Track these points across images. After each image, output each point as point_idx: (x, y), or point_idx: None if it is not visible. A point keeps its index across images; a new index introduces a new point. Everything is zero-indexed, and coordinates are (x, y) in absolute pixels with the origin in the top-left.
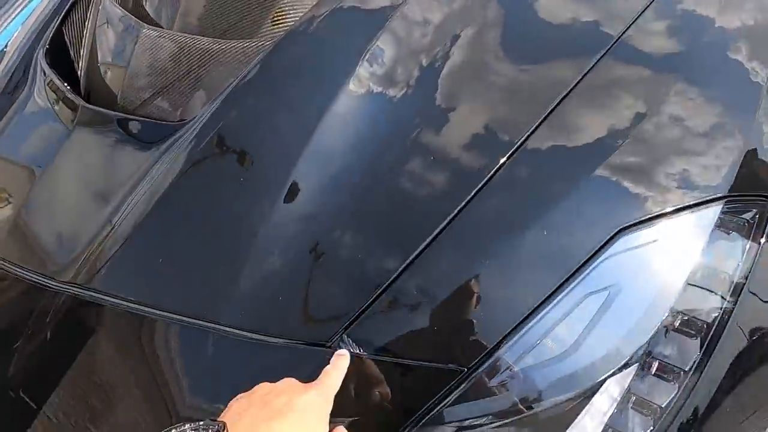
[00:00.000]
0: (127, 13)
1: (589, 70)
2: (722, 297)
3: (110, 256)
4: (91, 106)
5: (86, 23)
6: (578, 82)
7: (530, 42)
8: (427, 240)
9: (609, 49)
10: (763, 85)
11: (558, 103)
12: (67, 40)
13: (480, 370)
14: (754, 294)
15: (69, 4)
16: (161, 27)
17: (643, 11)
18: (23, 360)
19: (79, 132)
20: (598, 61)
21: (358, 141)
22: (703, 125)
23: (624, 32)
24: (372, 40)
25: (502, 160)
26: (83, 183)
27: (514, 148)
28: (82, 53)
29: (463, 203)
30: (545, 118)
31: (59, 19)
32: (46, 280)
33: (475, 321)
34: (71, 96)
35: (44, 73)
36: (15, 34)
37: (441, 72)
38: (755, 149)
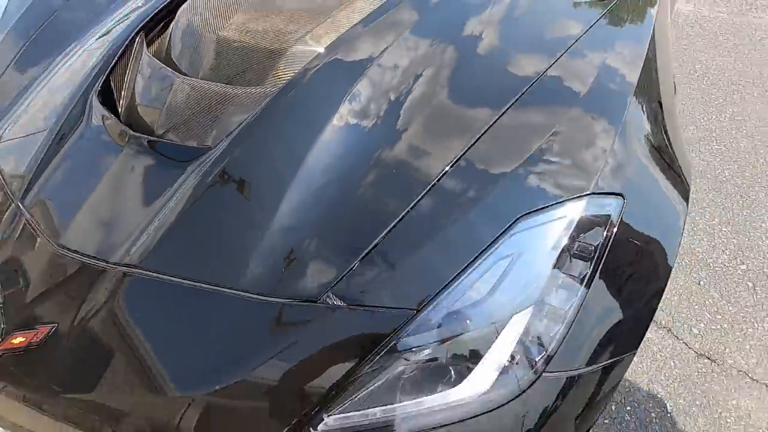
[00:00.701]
0: (164, 65)
1: (507, 108)
2: (585, 261)
3: (153, 244)
4: (137, 133)
5: (127, 74)
6: (501, 115)
7: (465, 86)
8: (390, 226)
9: (529, 87)
10: (624, 112)
11: (485, 131)
12: (113, 85)
13: (425, 311)
14: (604, 273)
15: (115, 59)
16: (187, 75)
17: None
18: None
19: (127, 151)
20: (516, 99)
21: (337, 161)
22: (580, 149)
23: (532, 83)
24: (352, 86)
25: (444, 170)
26: (131, 189)
27: (454, 161)
28: (123, 95)
29: (417, 198)
30: (475, 141)
31: (109, 70)
32: (103, 262)
33: (423, 277)
34: (121, 126)
35: (97, 111)
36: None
37: (402, 107)
38: (614, 158)
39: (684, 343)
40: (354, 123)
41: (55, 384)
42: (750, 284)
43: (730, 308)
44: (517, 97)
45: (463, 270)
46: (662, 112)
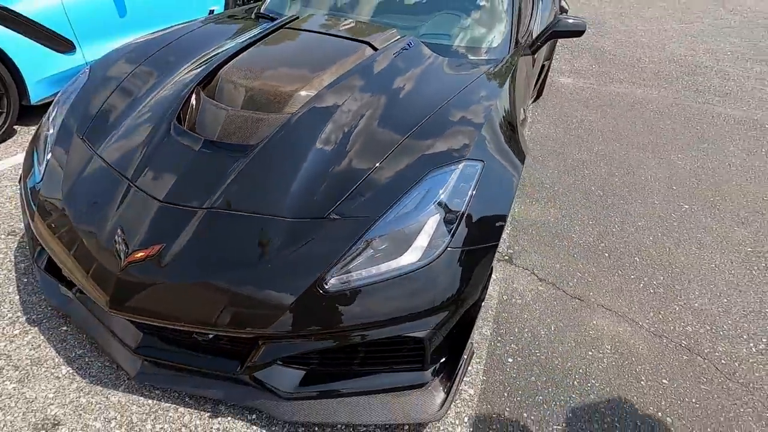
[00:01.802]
0: (213, 101)
1: (419, 126)
2: (464, 193)
3: (221, 197)
4: (203, 137)
5: (191, 106)
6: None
7: (390, 119)
8: (358, 181)
9: (428, 119)
10: (483, 123)
11: (406, 137)
12: (181, 114)
13: (382, 218)
14: (474, 199)
15: (187, 94)
16: (230, 107)
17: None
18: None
19: (201, 149)
20: (421, 124)
21: (314, 160)
22: (457, 141)
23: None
24: (326, 122)
25: (385, 157)
26: (205, 169)
27: (391, 152)
28: (188, 118)
29: (371, 169)
30: (399, 144)
31: (182, 103)
32: (192, 207)
33: (380, 202)
34: (194, 135)
35: (177, 127)
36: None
37: (351, 134)
38: (482, 137)
39: (563, 291)
40: (322, 146)
41: (163, 282)
42: (606, 254)
43: (593, 269)
44: (421, 123)
45: (402, 197)
46: (512, 122)
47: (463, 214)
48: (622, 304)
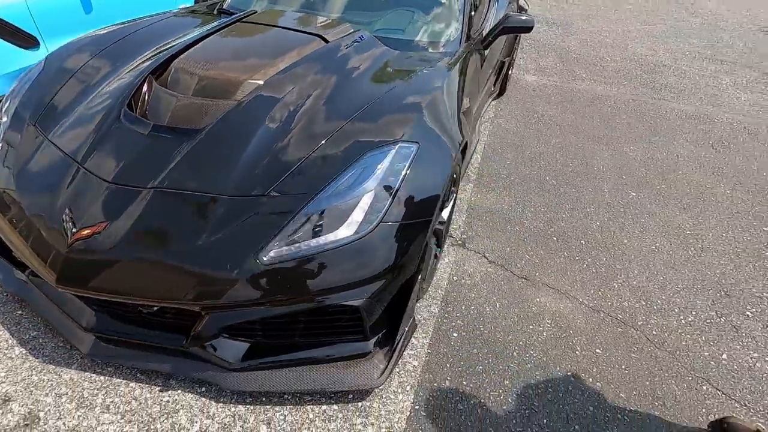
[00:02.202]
0: (166, 89)
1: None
2: (399, 172)
3: (166, 177)
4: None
5: (145, 97)
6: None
7: (336, 101)
8: (301, 159)
9: (374, 101)
10: (423, 110)
11: (349, 121)
12: (133, 101)
13: (321, 193)
14: (408, 178)
15: (139, 82)
16: (181, 95)
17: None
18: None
19: (151, 132)
20: (366, 107)
21: (258, 142)
22: (395, 125)
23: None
24: (272, 108)
25: (329, 136)
26: (152, 150)
27: (333, 133)
28: (140, 104)
29: (315, 149)
30: (342, 126)
31: (134, 91)
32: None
33: (319, 179)
34: (144, 120)
35: (128, 113)
36: None
37: (295, 119)
38: (420, 122)
39: (511, 272)
40: (271, 124)
41: (107, 258)
42: (555, 238)
43: (541, 252)
44: (364, 109)
45: (339, 175)
46: (453, 109)
47: (397, 191)
48: (566, 282)
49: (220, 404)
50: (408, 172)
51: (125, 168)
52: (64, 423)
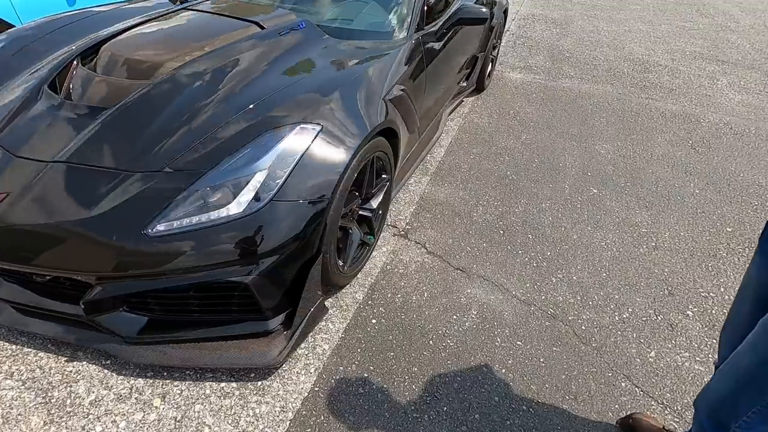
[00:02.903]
0: (90, 71)
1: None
2: (297, 150)
3: (72, 151)
4: (69, 101)
5: (70, 78)
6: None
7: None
8: (201, 137)
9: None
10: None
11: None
12: (57, 82)
13: (213, 171)
14: (306, 157)
15: (64, 64)
16: (106, 76)
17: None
18: None
19: (64, 110)
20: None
21: (163, 121)
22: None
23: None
24: (184, 88)
25: (242, 110)
26: (61, 127)
27: (234, 117)
28: (64, 86)
29: (218, 127)
30: (246, 109)
31: (57, 73)
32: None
33: (214, 156)
34: (60, 97)
35: (48, 91)
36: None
37: (203, 100)
38: (329, 105)
39: (448, 263)
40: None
41: (5, 226)
42: (501, 232)
43: (484, 245)
44: (276, 91)
45: (236, 152)
46: (374, 96)
47: (292, 170)
48: (502, 275)
49: (121, 377)
50: (306, 152)
51: (33, 142)
52: None
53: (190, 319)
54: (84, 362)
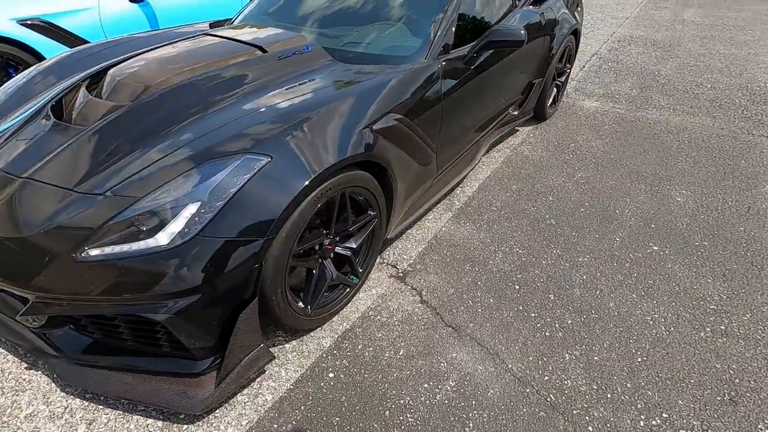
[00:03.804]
0: (88, 93)
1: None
2: (233, 186)
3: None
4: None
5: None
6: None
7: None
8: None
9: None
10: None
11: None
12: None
13: (145, 199)
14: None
15: (70, 87)
16: (93, 96)
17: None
18: None
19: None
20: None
21: (122, 144)
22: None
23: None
24: (153, 112)
25: (176, 150)
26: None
27: (187, 144)
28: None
29: (165, 156)
30: (202, 136)
31: (61, 96)
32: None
33: (149, 184)
34: (55, 120)
35: (48, 113)
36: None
37: (167, 125)
38: (286, 134)
39: (440, 317)
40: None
41: None
42: (517, 287)
43: (491, 300)
44: (238, 120)
45: (172, 180)
46: (365, 126)
47: (225, 204)
48: (501, 341)
49: (63, 394)
50: (247, 185)
51: (17, 158)
52: None
53: (126, 346)
54: (39, 372)
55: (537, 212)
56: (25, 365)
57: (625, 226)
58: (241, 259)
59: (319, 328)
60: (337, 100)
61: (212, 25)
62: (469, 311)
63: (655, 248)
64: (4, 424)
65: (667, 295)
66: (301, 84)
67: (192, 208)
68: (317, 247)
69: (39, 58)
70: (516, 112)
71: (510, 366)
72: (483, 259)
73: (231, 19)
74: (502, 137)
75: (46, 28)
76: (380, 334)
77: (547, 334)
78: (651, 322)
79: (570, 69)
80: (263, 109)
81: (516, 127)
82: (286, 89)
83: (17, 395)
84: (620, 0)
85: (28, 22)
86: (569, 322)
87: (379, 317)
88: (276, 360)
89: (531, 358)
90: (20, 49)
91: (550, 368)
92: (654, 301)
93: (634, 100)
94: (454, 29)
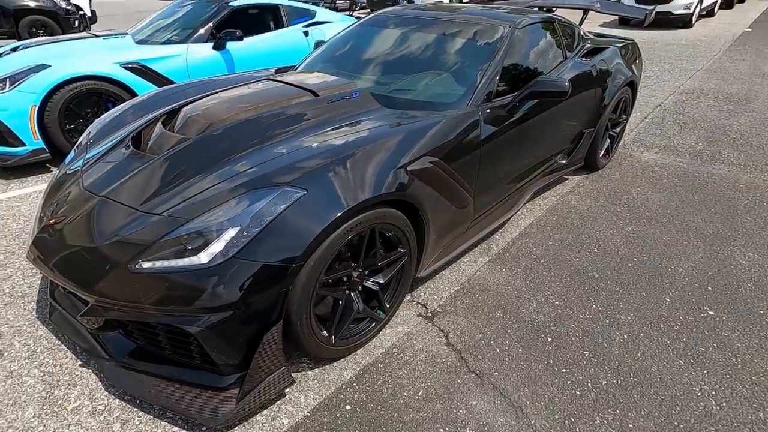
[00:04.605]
0: (163, 128)
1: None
2: (271, 214)
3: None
4: (140, 152)
5: (148, 133)
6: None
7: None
8: (214, 185)
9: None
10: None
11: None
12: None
13: (191, 222)
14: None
15: (148, 123)
16: (167, 130)
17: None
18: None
19: (132, 157)
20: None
21: (183, 171)
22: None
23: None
24: (212, 146)
25: (225, 180)
26: (121, 171)
27: (235, 175)
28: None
29: (215, 185)
30: (249, 169)
31: (140, 129)
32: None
33: (191, 209)
34: (134, 149)
35: (128, 143)
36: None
37: (222, 159)
38: (324, 170)
39: (465, 362)
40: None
41: (54, 241)
42: (549, 339)
43: (520, 350)
44: (287, 154)
45: (217, 206)
46: (400, 167)
47: (261, 230)
48: (526, 394)
49: (106, 393)
50: (282, 215)
51: (99, 180)
52: (11, 364)
53: (164, 355)
54: (90, 370)
55: (579, 263)
56: (80, 363)
57: (677, 286)
58: (270, 282)
59: (343, 360)
60: (375, 141)
61: (277, 71)
62: (495, 359)
63: (711, 313)
64: (54, 414)
65: (721, 366)
66: (345, 126)
67: (232, 232)
68: (345, 279)
69: (132, 94)
70: (564, 161)
71: (533, 422)
72: (516, 307)
73: (295, 66)
74: (549, 185)
75: (141, 70)
76: (401, 372)
77: (577, 392)
78: (699, 394)
79: (626, 120)
80: (308, 146)
81: (565, 176)
82: (330, 130)
83: (69, 389)
84: (693, 52)
85: (129, 65)
86: (604, 382)
87: (402, 355)
88: (297, 385)
89: (557, 417)
90: (119, 87)
91: (577, 430)
92: (705, 370)
93: (700, 155)
94: (497, 78)
